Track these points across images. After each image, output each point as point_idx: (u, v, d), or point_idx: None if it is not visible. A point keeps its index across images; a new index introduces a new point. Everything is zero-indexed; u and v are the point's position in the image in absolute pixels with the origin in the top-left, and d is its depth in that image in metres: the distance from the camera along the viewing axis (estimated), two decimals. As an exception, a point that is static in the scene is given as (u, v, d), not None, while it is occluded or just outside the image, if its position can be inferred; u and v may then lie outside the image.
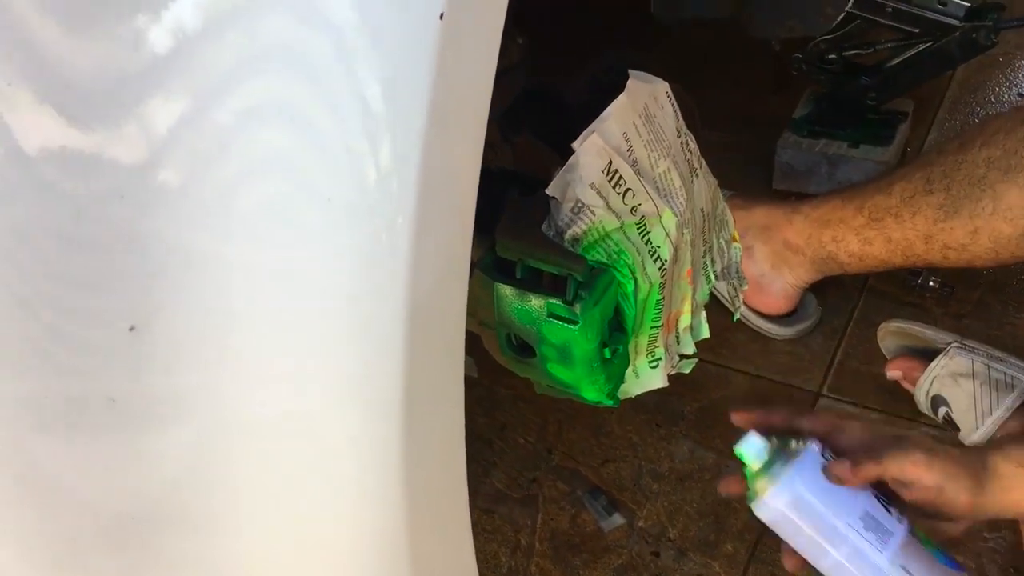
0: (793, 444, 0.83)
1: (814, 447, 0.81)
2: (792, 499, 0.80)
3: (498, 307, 0.91)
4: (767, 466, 0.82)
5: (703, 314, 1.08)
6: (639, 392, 1.03)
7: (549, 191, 0.87)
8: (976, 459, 0.80)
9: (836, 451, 0.82)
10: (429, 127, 0.50)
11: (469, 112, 0.54)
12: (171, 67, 0.50)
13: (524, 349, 0.93)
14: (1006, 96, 1.68)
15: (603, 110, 0.89)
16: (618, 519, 1.18)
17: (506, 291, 0.90)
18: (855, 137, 1.47)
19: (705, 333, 1.09)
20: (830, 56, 1.44)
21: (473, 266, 0.92)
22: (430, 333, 0.61)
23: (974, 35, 1.30)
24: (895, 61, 1.41)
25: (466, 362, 1.02)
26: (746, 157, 1.59)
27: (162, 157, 0.50)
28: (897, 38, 1.38)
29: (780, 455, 0.82)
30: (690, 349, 1.07)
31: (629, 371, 1.00)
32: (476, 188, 0.57)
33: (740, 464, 0.83)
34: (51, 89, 0.47)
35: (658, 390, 1.04)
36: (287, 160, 0.53)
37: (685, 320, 1.05)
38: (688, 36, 1.56)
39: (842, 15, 1.18)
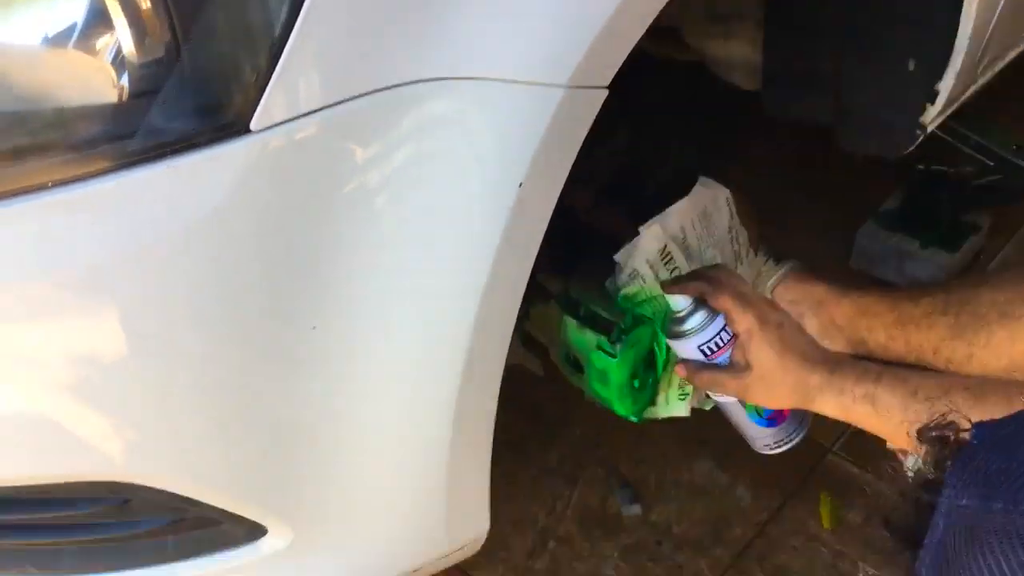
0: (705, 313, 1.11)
1: (720, 319, 1.11)
2: (676, 346, 1.15)
3: (563, 331, 1.22)
4: (686, 315, 1.11)
5: (733, 367, 1.35)
6: (665, 416, 1.32)
7: (616, 257, 1.17)
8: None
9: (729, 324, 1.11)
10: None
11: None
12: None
13: (577, 365, 1.23)
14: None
15: (674, 202, 1.17)
16: (636, 509, 1.48)
17: (571, 321, 1.20)
18: (927, 239, 1.68)
19: (731, 382, 1.36)
20: (918, 166, 1.66)
21: (552, 296, 1.24)
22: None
23: (1038, 180, 1.50)
24: (971, 183, 1.61)
25: (534, 363, 1.35)
26: (838, 232, 1.83)
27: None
28: (975, 166, 1.58)
29: (699, 307, 1.11)
30: (716, 392, 1.35)
31: (660, 398, 1.29)
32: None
33: None
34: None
35: (697, 417, 1.32)
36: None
37: (715, 369, 1.33)
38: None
39: (913, 147, 1.40)
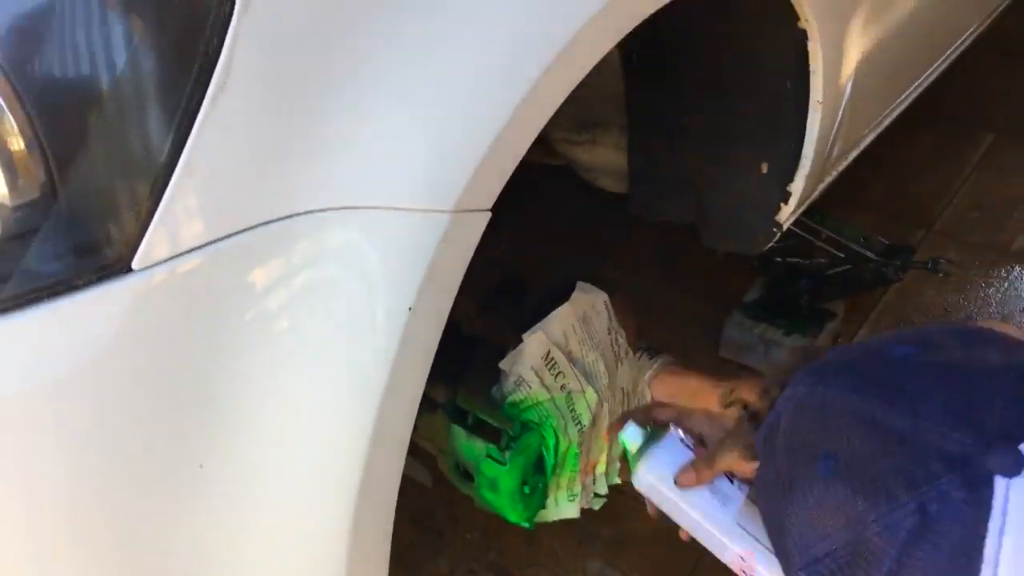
0: (659, 432, 1.04)
1: (674, 433, 1.03)
2: (658, 473, 1.01)
3: (452, 440, 1.21)
4: (642, 449, 1.03)
5: (617, 464, 1.38)
6: (556, 519, 1.32)
7: (501, 365, 1.18)
8: None
9: (687, 430, 1.05)
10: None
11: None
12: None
13: (466, 475, 1.23)
14: (934, 307, 1.95)
15: (553, 309, 1.20)
16: (530, 614, 1.46)
17: (459, 430, 1.20)
18: (789, 327, 1.76)
19: (618, 479, 1.38)
20: (776, 259, 1.75)
21: (439, 406, 1.23)
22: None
23: (884, 269, 1.61)
24: (826, 273, 1.71)
25: (423, 473, 1.33)
26: (705, 323, 1.90)
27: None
28: (828, 257, 1.68)
29: (651, 439, 1.03)
30: (603, 490, 1.36)
31: (550, 500, 1.30)
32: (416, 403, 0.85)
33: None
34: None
35: (585, 515, 1.32)
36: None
37: (601, 468, 1.35)
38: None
39: (771, 243, 1.48)
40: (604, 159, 1.58)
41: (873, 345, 0.79)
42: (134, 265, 0.67)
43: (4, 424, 0.66)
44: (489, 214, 0.82)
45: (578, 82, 0.85)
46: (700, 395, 1.60)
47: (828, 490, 0.70)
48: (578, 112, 1.55)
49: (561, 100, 0.84)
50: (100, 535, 0.73)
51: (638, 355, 1.60)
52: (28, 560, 0.72)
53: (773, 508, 0.77)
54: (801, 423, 0.75)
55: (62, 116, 0.65)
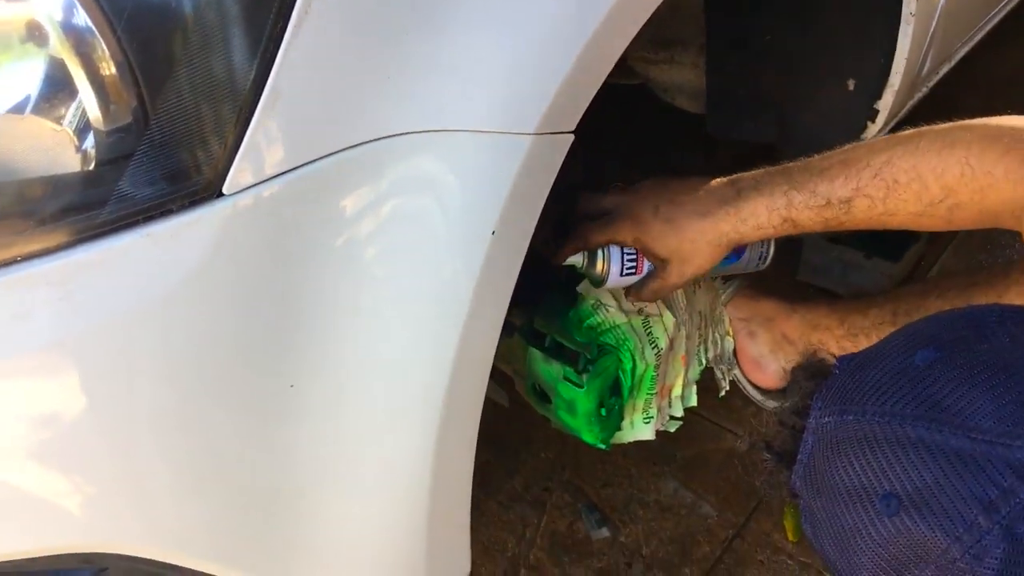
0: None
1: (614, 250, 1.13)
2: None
3: (529, 362, 1.22)
4: (589, 268, 1.14)
5: (694, 387, 1.38)
6: (631, 440, 1.33)
7: (579, 288, 1.18)
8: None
9: None
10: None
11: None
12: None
13: (544, 396, 1.24)
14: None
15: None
16: (605, 532, 1.49)
17: (536, 353, 1.21)
18: (870, 249, 1.73)
19: (693, 402, 1.38)
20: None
21: (516, 329, 1.24)
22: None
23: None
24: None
25: (500, 394, 1.35)
26: (782, 246, 1.86)
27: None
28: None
29: (593, 256, 1.13)
30: (679, 412, 1.37)
31: (626, 422, 1.31)
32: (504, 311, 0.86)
33: None
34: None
35: (661, 437, 1.33)
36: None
37: (677, 391, 1.35)
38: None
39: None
40: (682, 78, 1.55)
41: (887, 354, 0.72)
42: (224, 190, 0.68)
43: (104, 346, 0.69)
44: (572, 137, 0.81)
45: (661, 1, 0.82)
46: (776, 319, 1.59)
47: (897, 528, 0.65)
48: (656, 30, 1.51)
49: (644, 19, 0.82)
50: (194, 451, 0.76)
51: (713, 278, 1.59)
52: (126, 477, 0.75)
53: (835, 548, 0.72)
54: (842, 462, 0.69)
55: (151, 42, 0.66)
